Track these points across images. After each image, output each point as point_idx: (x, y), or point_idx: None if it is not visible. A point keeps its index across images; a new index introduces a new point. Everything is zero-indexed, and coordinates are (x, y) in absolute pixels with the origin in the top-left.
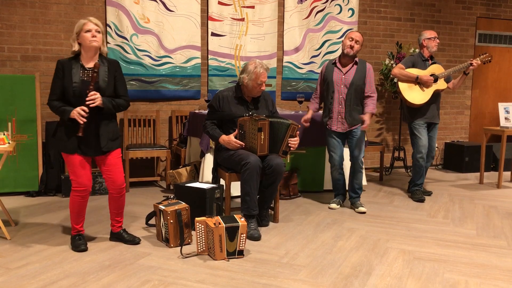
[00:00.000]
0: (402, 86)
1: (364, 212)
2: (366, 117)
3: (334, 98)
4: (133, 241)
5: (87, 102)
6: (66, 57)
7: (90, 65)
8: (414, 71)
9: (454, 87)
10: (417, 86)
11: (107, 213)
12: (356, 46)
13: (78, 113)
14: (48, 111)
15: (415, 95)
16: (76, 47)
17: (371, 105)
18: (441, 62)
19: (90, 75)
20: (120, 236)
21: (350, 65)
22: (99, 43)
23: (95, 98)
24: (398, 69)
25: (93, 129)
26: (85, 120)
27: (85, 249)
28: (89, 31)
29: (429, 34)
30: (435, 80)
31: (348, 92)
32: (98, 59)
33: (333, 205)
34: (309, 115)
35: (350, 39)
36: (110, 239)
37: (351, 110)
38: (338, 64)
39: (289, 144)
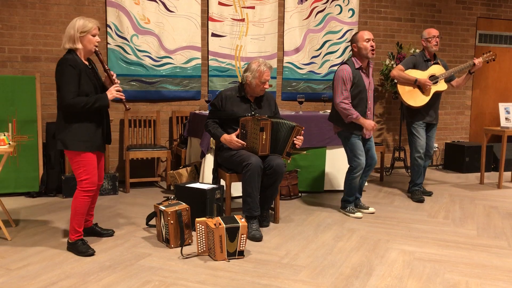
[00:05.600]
0: (401, 90)
1: (373, 212)
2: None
3: (368, 106)
4: (108, 233)
5: (116, 82)
6: (69, 56)
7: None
8: (413, 73)
9: (457, 86)
10: (416, 88)
11: (107, 213)
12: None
13: (116, 90)
14: (48, 112)
15: (414, 98)
16: (79, 46)
17: None
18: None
19: (100, 56)
20: (93, 231)
21: (366, 67)
22: None
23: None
24: (397, 71)
25: (106, 125)
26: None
27: (94, 253)
28: (94, 35)
29: (427, 33)
30: (435, 82)
31: (373, 97)
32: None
33: (359, 214)
34: (364, 121)
35: (367, 40)
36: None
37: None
38: (363, 69)
39: (295, 142)
